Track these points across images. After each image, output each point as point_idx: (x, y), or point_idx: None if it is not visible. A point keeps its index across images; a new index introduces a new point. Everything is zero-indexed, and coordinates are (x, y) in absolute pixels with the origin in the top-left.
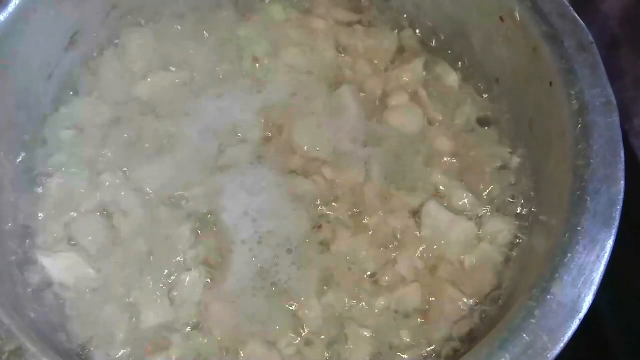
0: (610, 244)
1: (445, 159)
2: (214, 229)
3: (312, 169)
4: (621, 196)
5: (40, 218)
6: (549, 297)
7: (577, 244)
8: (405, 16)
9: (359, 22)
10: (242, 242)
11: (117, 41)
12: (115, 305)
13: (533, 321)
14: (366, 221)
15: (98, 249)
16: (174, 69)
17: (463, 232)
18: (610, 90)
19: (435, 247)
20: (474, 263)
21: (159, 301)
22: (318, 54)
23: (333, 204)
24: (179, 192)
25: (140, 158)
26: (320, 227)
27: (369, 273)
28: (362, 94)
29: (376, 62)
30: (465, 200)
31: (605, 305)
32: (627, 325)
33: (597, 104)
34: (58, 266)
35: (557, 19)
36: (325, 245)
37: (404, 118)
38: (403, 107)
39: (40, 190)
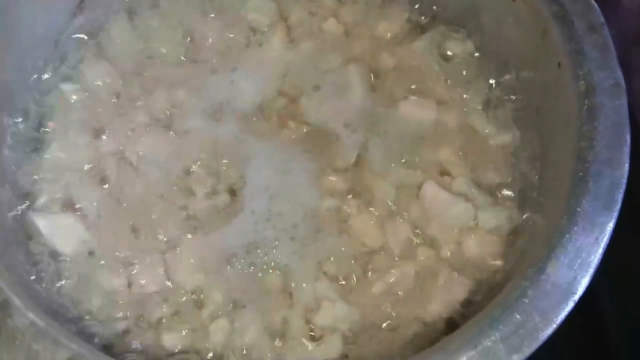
0: (610, 227)
1: (449, 141)
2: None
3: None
4: (624, 179)
5: (37, 181)
6: (543, 277)
7: (575, 226)
8: None
9: None
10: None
11: (126, 7)
12: (110, 270)
13: (526, 301)
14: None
15: (97, 214)
16: (188, 39)
17: (461, 213)
18: (619, 73)
19: (431, 227)
20: (471, 245)
21: (155, 267)
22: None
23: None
24: (184, 163)
25: (147, 128)
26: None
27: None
28: (372, 76)
29: (387, 37)
30: (465, 182)
31: (603, 288)
32: (624, 310)
33: (605, 86)
34: (54, 228)
35: None
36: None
37: (418, 110)
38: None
39: (39, 154)
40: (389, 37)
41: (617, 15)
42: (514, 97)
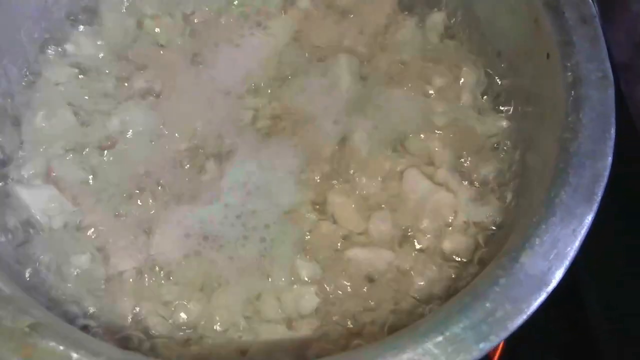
0: (588, 219)
1: (436, 130)
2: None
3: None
4: (606, 172)
5: (21, 152)
6: (516, 265)
7: (552, 216)
8: None
9: None
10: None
11: None
12: (88, 245)
13: (497, 289)
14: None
15: (78, 187)
16: (188, 11)
17: (441, 203)
18: (608, 65)
19: (412, 215)
20: (451, 236)
21: (134, 244)
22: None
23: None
24: (170, 143)
25: (134, 104)
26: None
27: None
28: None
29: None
30: (449, 172)
31: (585, 279)
32: (607, 302)
33: (593, 78)
34: (35, 199)
35: None
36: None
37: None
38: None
39: (24, 125)
40: (378, 23)
41: (625, 20)
42: (504, 87)
